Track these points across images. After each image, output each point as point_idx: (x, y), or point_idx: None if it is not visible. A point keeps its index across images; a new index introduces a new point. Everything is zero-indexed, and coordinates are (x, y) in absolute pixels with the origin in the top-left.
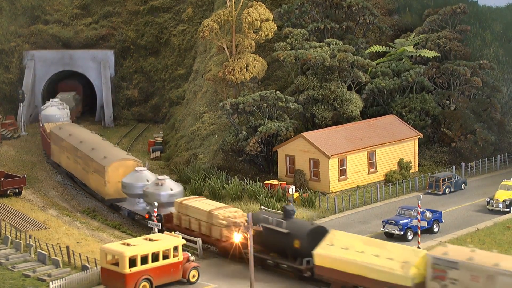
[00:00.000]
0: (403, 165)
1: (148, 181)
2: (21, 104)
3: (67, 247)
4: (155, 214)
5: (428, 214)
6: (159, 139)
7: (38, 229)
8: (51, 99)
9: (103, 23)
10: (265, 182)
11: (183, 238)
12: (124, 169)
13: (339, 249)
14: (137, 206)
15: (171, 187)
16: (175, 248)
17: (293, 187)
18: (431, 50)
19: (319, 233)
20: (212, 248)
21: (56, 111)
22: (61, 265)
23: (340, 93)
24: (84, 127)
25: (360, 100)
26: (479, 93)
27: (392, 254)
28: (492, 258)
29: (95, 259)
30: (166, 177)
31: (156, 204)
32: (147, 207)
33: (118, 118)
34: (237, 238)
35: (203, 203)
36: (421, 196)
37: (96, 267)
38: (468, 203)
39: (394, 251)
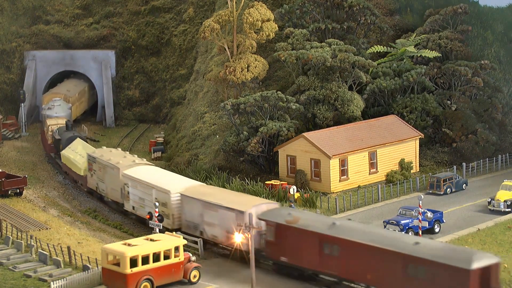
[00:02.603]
0: (404, 165)
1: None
2: (22, 104)
3: (68, 247)
4: (156, 215)
5: (429, 214)
6: (160, 139)
7: (39, 229)
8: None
9: (104, 23)
10: (266, 182)
11: (184, 238)
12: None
13: (70, 151)
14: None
15: (56, 111)
16: (176, 248)
17: (294, 187)
18: (432, 50)
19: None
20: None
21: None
22: (62, 265)
23: (341, 93)
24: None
25: (361, 100)
26: (480, 93)
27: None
28: (111, 155)
29: (96, 259)
30: (58, 103)
31: (157, 204)
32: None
33: (119, 118)
34: (238, 238)
35: (54, 120)
36: (422, 196)
37: (97, 267)
38: (469, 203)
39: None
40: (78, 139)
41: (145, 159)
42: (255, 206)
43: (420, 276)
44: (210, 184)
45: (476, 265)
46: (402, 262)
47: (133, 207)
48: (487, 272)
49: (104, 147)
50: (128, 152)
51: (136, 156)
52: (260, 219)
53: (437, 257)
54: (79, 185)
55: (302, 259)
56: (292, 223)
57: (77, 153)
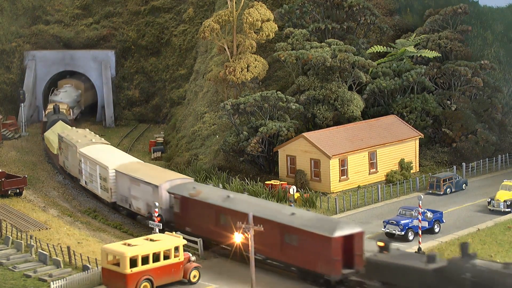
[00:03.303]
0: (404, 165)
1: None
2: (22, 104)
3: (68, 247)
4: (156, 214)
5: (429, 214)
6: (160, 139)
7: (39, 230)
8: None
9: (104, 23)
10: (266, 182)
11: (184, 238)
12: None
13: (51, 132)
14: None
15: (61, 97)
16: (176, 248)
17: (294, 187)
18: (432, 51)
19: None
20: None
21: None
22: (62, 266)
23: (341, 93)
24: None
25: (361, 101)
26: (480, 93)
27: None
28: (74, 135)
29: (96, 259)
30: (65, 89)
31: (157, 204)
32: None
33: (119, 118)
34: (238, 238)
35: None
36: (422, 196)
37: (97, 267)
38: (469, 204)
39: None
40: (60, 122)
41: (103, 139)
42: (169, 180)
43: (294, 243)
44: (210, 183)
45: (338, 233)
46: (280, 231)
47: (85, 182)
48: (350, 240)
49: (74, 128)
50: (92, 133)
51: (97, 136)
52: (169, 192)
53: (307, 226)
54: (55, 162)
55: (203, 229)
56: (194, 196)
57: (55, 134)
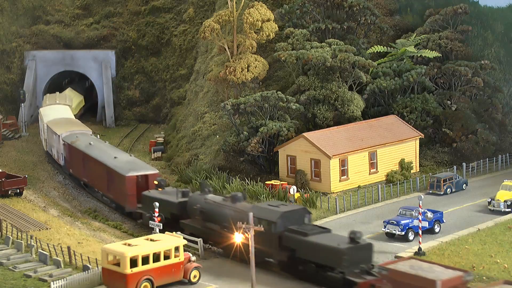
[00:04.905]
0: (404, 166)
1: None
2: (22, 104)
3: (68, 248)
4: (156, 214)
5: (429, 214)
6: (160, 140)
7: (39, 230)
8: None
9: (104, 24)
10: (266, 182)
11: (184, 238)
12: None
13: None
14: None
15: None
16: (176, 249)
17: (294, 187)
18: (432, 51)
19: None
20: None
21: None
22: (62, 266)
23: (341, 93)
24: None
25: (361, 101)
26: (480, 93)
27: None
28: (51, 98)
29: (96, 259)
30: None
31: (157, 204)
32: None
33: (119, 118)
34: (238, 238)
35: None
36: (422, 197)
37: (97, 267)
38: (469, 204)
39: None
40: (69, 88)
41: (66, 100)
42: (70, 131)
43: (112, 181)
44: (210, 183)
45: (132, 173)
46: (106, 171)
47: (41, 135)
48: (145, 180)
49: (58, 93)
50: (68, 97)
51: (66, 101)
52: (63, 140)
53: (115, 167)
54: None
55: (77, 171)
56: (73, 143)
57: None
